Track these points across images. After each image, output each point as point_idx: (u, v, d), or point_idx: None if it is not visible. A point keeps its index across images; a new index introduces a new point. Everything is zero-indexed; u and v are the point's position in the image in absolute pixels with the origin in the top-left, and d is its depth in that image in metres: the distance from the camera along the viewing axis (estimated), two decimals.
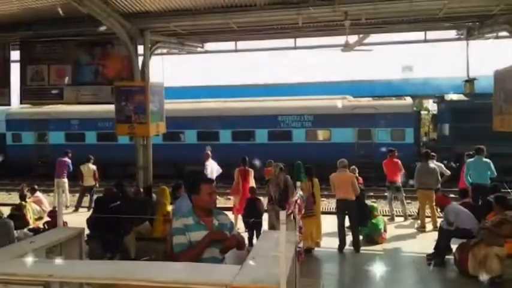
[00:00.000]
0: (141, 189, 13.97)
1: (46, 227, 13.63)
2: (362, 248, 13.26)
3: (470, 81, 16.75)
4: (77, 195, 21.16)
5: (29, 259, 5.35)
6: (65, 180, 20.46)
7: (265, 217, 13.45)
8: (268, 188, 13.04)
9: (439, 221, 14.32)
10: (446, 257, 11.85)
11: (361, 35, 15.44)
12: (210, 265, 5.23)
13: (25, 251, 5.71)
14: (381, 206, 20.29)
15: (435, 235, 12.85)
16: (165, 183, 16.74)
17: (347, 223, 13.60)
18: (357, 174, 15.47)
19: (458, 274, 11.06)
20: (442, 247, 11.94)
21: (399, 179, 17.10)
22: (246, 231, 13.70)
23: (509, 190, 16.27)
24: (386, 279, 11.03)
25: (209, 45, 17.58)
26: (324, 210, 18.33)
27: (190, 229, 5.43)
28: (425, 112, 40.41)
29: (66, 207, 20.14)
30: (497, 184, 14.17)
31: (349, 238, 13.45)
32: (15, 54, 16.49)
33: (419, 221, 15.94)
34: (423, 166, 15.81)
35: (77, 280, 4.83)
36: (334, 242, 13.35)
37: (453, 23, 14.82)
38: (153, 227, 12.76)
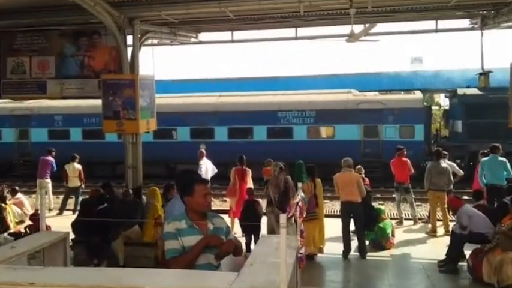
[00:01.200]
0: (130, 191, 13.94)
1: (28, 231, 13.63)
2: (368, 254, 13.26)
3: (484, 74, 16.83)
4: (61, 197, 21.13)
5: (9, 266, 5.34)
6: (48, 180, 20.42)
7: (264, 220, 13.45)
8: (267, 189, 13.03)
9: (451, 224, 14.31)
10: (459, 263, 11.86)
11: (367, 24, 15.43)
12: (205, 272, 5.22)
13: (5, 257, 5.70)
14: (388, 208, 20.32)
15: (447, 240, 12.85)
16: (156, 184, 16.73)
17: (352, 227, 13.60)
18: (363, 175, 15.48)
19: (472, 282, 11.07)
20: (454, 253, 11.95)
21: (408, 179, 17.12)
22: (243, 236, 13.68)
23: None
24: None
25: (203, 36, 17.57)
26: (327, 213, 18.35)
27: (183, 233, 5.42)
28: (437, 107, 40.49)
29: (50, 210, 20.13)
30: None
31: (354, 243, 13.45)
32: None
33: (430, 225, 15.95)
34: (434, 166, 15.81)
35: None
36: (338, 248, 13.35)
37: (466, 12, 14.81)
38: (143, 231, 12.75)
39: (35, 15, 14.66)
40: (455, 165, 17.04)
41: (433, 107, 36.97)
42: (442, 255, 12.27)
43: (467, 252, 11.65)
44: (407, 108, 27.15)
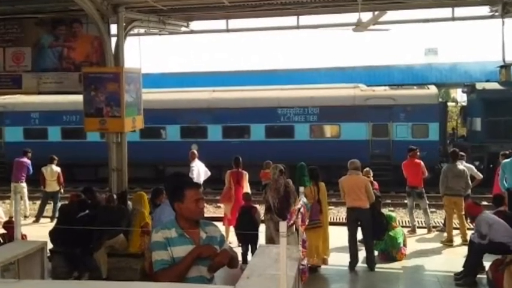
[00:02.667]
0: (115, 196, 13.93)
1: (1, 240, 13.61)
2: (377, 265, 13.27)
3: (506, 66, 16.84)
4: (38, 202, 21.12)
5: None
6: (24, 184, 20.38)
7: (262, 229, 13.45)
8: (266, 194, 13.04)
9: (469, 233, 14.33)
10: (478, 276, 11.87)
11: (376, 12, 15.41)
12: (197, 286, 5.23)
13: None
14: (399, 215, 20.35)
15: (465, 250, 12.87)
16: (143, 189, 16.75)
17: (359, 236, 13.61)
18: (372, 178, 15.48)
19: None
20: (472, 264, 11.96)
21: (421, 183, 17.12)
22: (239, 246, 13.70)
23: None
24: None
25: (195, 24, 17.55)
26: (332, 220, 18.35)
27: (172, 243, 5.42)
28: (453, 104, 40.50)
29: (25, 217, 20.09)
30: None
31: (362, 254, 13.46)
32: None
33: (445, 234, 15.96)
34: (450, 168, 15.82)
35: None
36: (344, 259, 13.36)
37: None
38: (129, 241, 12.75)
39: (8, 2, 14.63)
40: (473, 167, 17.06)
41: (449, 103, 36.98)
42: (458, 267, 12.28)
43: (487, 264, 11.64)
44: (421, 104, 27.17)
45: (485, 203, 18.22)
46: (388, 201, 23.38)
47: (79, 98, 14.65)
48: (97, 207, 13.36)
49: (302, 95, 28.66)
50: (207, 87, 31.32)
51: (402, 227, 15.78)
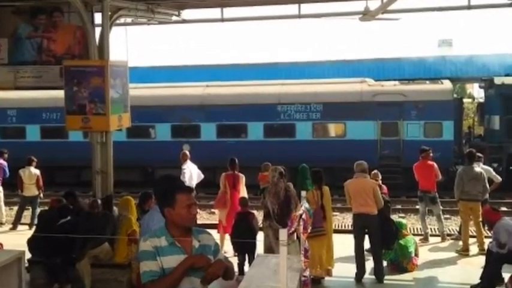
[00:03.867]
0: (99, 201, 13.93)
1: None
2: (386, 277, 13.29)
3: None
4: (15, 208, 21.10)
5: None
6: (0, 189, 20.39)
7: (260, 237, 13.45)
8: (264, 199, 13.04)
9: (486, 242, 14.35)
10: None
11: (384, 0, 15.44)
12: None
13: None
14: (411, 222, 20.37)
15: (482, 260, 12.89)
16: (130, 193, 16.72)
17: (367, 245, 13.62)
18: (380, 181, 15.49)
19: None
20: (490, 276, 11.97)
21: (435, 187, 17.13)
22: (235, 256, 13.70)
23: None
24: None
25: (188, 13, 17.55)
26: (336, 227, 18.36)
27: (162, 252, 5.43)
28: (469, 100, 40.54)
29: (1, 224, 20.10)
30: None
31: (369, 264, 13.47)
32: None
33: (461, 242, 15.98)
34: (466, 171, 15.83)
35: None
36: (351, 270, 13.37)
37: None
38: (115, 250, 12.74)
39: None
40: (491, 170, 17.07)
41: (465, 100, 37.04)
42: (475, 279, 12.30)
43: (506, 276, 11.67)
44: (434, 101, 27.14)
45: (504, 208, 18.28)
46: (398, 206, 23.41)
47: (60, 93, 14.64)
48: (80, 214, 13.35)
49: (304, 90, 28.64)
50: (200, 81, 31.27)
51: (413, 235, 15.78)
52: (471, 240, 15.77)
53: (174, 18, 17.38)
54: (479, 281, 12.16)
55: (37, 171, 20.16)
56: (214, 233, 12.73)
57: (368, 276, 13.30)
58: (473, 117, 34.35)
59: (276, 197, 12.63)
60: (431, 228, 17.85)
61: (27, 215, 20.33)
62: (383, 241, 13.53)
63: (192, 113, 28.73)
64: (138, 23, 17.53)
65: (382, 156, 26.82)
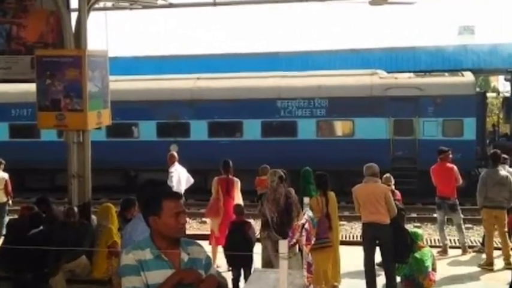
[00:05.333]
0: (75, 209, 13.93)
1: None
2: None
3: None
4: None
5: None
6: None
7: (257, 249, 13.46)
8: (262, 207, 13.06)
9: None
10: None
11: None
12: None
13: None
14: (427, 232, 20.39)
15: (508, 276, 12.91)
16: (111, 200, 16.72)
17: (378, 258, 13.64)
18: (393, 186, 15.50)
19: None
20: None
21: (454, 193, 17.15)
22: (229, 270, 13.71)
23: None
24: None
25: None
26: (344, 238, 18.37)
27: (147, 267, 5.44)
28: (493, 94, 40.58)
29: None
30: None
31: (381, 280, 13.50)
32: None
33: (484, 255, 16.00)
34: (490, 174, 15.84)
35: None
36: (360, 286, 13.39)
37: None
38: (93, 264, 12.76)
39: None
40: None
41: (489, 94, 37.08)
42: None
43: None
44: (454, 95, 27.17)
45: None
46: (414, 215, 23.44)
47: (31, 87, 14.64)
48: (53, 223, 13.35)
49: (307, 83, 28.66)
50: (190, 73, 31.28)
51: (431, 247, 15.75)
52: (496, 253, 15.80)
53: (160, 2, 17.37)
54: None
55: (5, 175, 20.15)
56: (205, 244, 12.72)
57: None
58: (498, 114, 34.46)
59: (276, 204, 12.66)
60: (450, 240, 17.87)
61: None
62: (396, 254, 13.54)
63: (180, 109, 28.74)
64: (119, 7, 17.52)
65: (395, 157, 26.84)
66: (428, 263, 14.11)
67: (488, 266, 15.49)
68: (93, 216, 14.07)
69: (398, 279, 13.66)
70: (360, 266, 13.50)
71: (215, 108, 28.44)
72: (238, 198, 15.94)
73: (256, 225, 14.80)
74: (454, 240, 17.92)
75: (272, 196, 12.76)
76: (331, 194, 13.30)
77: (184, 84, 29.67)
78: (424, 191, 22.39)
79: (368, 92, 27.71)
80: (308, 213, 10.50)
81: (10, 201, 20.31)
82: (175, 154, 18.14)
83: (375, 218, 13.20)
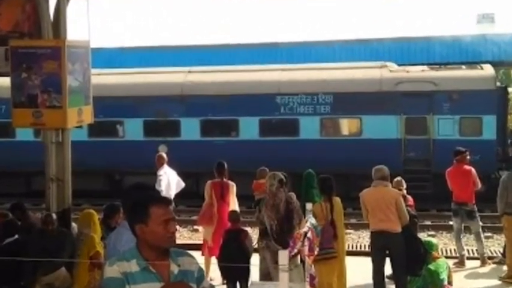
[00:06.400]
0: (54, 215, 13.95)
1: None
2: None
3: None
4: None
5: None
6: None
7: (255, 260, 13.48)
8: (260, 213, 13.07)
9: None
10: None
11: None
12: None
13: None
14: (443, 242, 20.39)
15: None
16: (93, 206, 16.72)
17: (388, 270, 13.65)
18: (405, 191, 15.51)
19: None
20: None
21: (472, 198, 17.16)
22: (224, 283, 13.73)
23: None
24: None
25: None
26: (350, 248, 18.39)
27: (133, 279, 5.44)
28: None
29: None
30: None
31: None
32: None
33: (505, 267, 16.02)
34: None
35: None
36: None
37: None
38: (73, 277, 12.77)
39: None
40: None
41: (510, 89, 37.07)
42: None
43: None
44: (472, 90, 27.14)
45: None
46: (428, 222, 23.44)
47: (5, 81, 14.66)
48: (30, 231, 13.36)
49: (310, 77, 28.64)
50: (181, 66, 31.28)
51: (446, 257, 15.80)
52: None
53: None
54: None
55: None
56: (198, 255, 12.74)
57: None
58: None
59: (275, 210, 12.68)
60: (468, 250, 17.90)
61: None
62: (408, 265, 13.56)
63: (170, 105, 28.72)
64: None
65: (407, 159, 26.84)
66: (444, 276, 14.14)
67: (509, 279, 15.52)
68: (74, 224, 14.08)
69: None
70: (368, 279, 13.54)
71: (208, 104, 28.40)
72: (233, 204, 15.96)
73: (253, 233, 14.80)
74: (472, 250, 17.95)
75: (271, 202, 12.78)
76: (337, 200, 13.31)
77: (174, 78, 29.66)
78: (439, 196, 22.42)
79: (377, 87, 27.70)
80: (311, 221, 10.53)
81: None
82: (165, 155, 18.15)
83: (384, 226, 13.22)
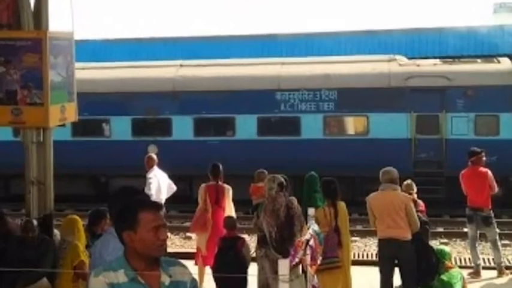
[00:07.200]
0: (35, 222, 13.96)
1: None
2: None
3: None
4: None
5: None
6: None
7: (253, 270, 13.49)
8: (259, 219, 13.08)
9: None
10: None
11: None
12: None
13: None
14: (456, 250, 20.41)
15: None
16: (77, 211, 16.71)
17: (397, 280, 13.67)
18: (415, 195, 15.52)
19: None
20: None
21: (489, 203, 17.17)
22: None
23: None
24: None
25: None
26: (356, 257, 18.41)
27: None
28: None
29: None
30: None
31: None
32: None
33: None
34: None
35: None
36: None
37: None
38: (56, 287, 12.79)
39: None
40: None
41: None
42: None
43: None
44: (488, 86, 27.14)
45: None
46: (440, 229, 23.46)
47: None
48: (8, 239, 13.37)
49: (313, 72, 28.65)
50: (172, 60, 31.29)
51: (460, 267, 15.82)
52: None
53: None
54: None
55: None
56: (190, 264, 12.75)
57: None
58: None
59: (275, 216, 12.69)
60: (484, 259, 17.91)
61: None
62: (419, 276, 13.58)
63: (160, 102, 28.72)
64: None
65: (418, 161, 26.84)
66: (458, 287, 14.18)
67: None
68: (56, 231, 14.08)
69: None
70: None
71: (202, 101, 28.37)
72: (229, 209, 15.98)
73: (251, 241, 14.79)
74: (488, 259, 17.96)
75: (270, 207, 12.79)
76: (341, 205, 13.33)
77: (164, 73, 29.65)
78: (453, 201, 22.43)
79: (385, 82, 27.70)
80: (313, 227, 10.54)
81: None
82: (155, 156, 18.16)
83: (393, 233, 13.24)
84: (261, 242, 12.99)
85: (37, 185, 14.65)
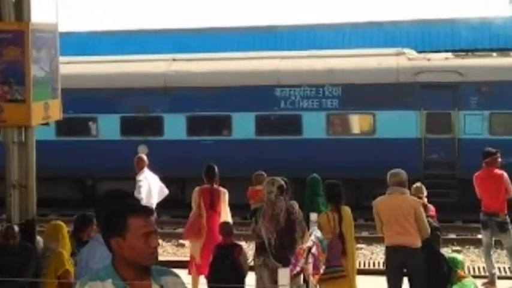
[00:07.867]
0: (16, 228, 13.96)
1: None
2: None
3: None
4: None
5: None
6: None
7: (250, 280, 13.49)
8: (257, 225, 13.08)
9: None
10: None
11: None
12: None
13: None
14: (470, 258, 20.40)
15: None
16: (61, 216, 16.67)
17: None
18: (425, 199, 15.52)
19: None
20: None
21: (504, 207, 17.16)
22: None
23: None
24: None
25: None
26: (361, 266, 18.41)
27: None
28: None
29: None
30: None
31: None
32: None
33: None
34: None
35: None
36: None
37: None
38: None
39: None
40: None
41: None
42: None
43: None
44: (504, 81, 27.12)
45: None
46: (452, 235, 23.46)
47: None
48: None
49: (315, 66, 28.64)
50: (164, 54, 31.29)
51: (474, 277, 15.83)
52: None
53: None
54: None
55: None
56: (184, 274, 12.75)
57: None
58: None
59: (274, 221, 12.69)
60: (499, 268, 17.92)
61: None
62: (429, 286, 13.59)
63: (151, 99, 28.71)
64: None
65: (429, 162, 26.83)
66: None
67: None
68: (39, 238, 14.07)
69: None
70: None
71: (196, 98, 28.38)
72: (225, 215, 15.97)
73: (248, 249, 14.79)
74: (503, 268, 17.97)
75: (269, 212, 12.79)
76: (346, 209, 13.32)
77: (155, 68, 29.62)
78: (466, 205, 22.42)
79: (393, 78, 27.67)
80: (316, 234, 10.55)
81: None
82: (145, 158, 18.17)
83: (402, 240, 13.24)
84: (260, 250, 12.98)
85: (18, 188, 14.64)
